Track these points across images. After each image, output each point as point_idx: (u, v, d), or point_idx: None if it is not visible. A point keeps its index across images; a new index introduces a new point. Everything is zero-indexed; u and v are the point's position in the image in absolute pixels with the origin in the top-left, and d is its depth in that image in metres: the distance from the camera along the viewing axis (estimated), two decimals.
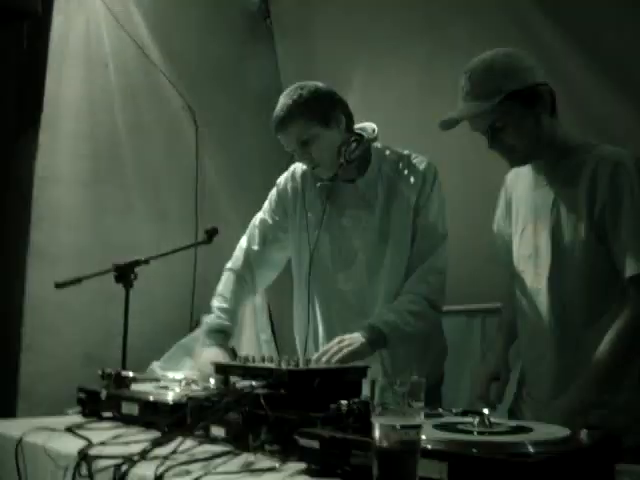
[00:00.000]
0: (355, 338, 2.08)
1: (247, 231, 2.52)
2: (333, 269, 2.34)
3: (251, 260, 2.47)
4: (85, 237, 3.26)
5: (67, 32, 3.28)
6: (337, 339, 2.08)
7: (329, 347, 2.05)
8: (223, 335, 2.34)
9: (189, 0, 3.74)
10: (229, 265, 2.50)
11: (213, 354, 2.24)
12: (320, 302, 2.38)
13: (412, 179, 2.28)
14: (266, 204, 2.52)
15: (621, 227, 1.83)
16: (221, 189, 3.78)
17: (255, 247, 2.47)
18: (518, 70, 1.89)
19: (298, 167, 2.46)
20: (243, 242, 2.51)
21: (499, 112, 1.86)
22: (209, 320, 2.39)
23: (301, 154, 2.28)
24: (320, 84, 2.30)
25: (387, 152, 2.36)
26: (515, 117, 1.88)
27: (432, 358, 2.36)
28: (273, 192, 2.51)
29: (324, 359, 1.99)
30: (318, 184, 2.34)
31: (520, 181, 2.10)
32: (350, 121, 2.33)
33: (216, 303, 2.41)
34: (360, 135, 2.32)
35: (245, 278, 2.46)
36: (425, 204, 2.27)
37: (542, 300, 1.97)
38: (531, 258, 2.00)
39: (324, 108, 2.25)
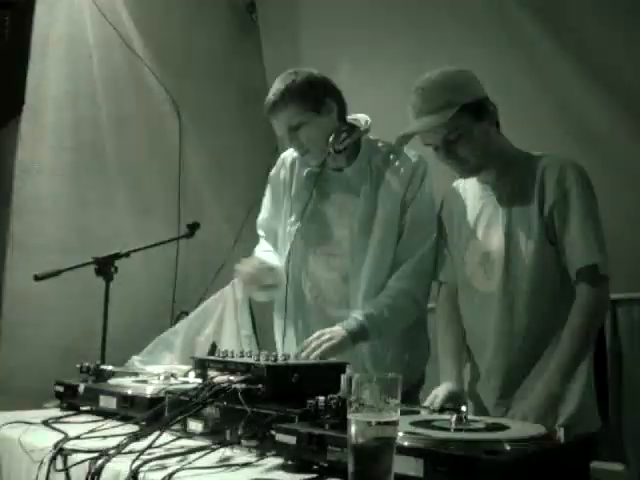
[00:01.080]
0: (336, 332, 2.08)
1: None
2: (317, 257, 2.34)
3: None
4: (66, 229, 3.24)
5: (50, 22, 3.25)
6: (317, 333, 2.07)
7: (309, 342, 2.04)
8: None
9: None
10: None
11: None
12: (302, 290, 2.37)
13: (402, 170, 2.28)
14: (264, 200, 2.52)
15: (569, 225, 1.90)
16: (204, 183, 3.76)
17: (264, 247, 2.47)
18: (466, 84, 1.98)
19: (288, 155, 2.46)
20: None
21: (452, 125, 1.92)
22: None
23: (291, 139, 2.27)
24: (314, 71, 2.30)
25: (379, 144, 2.36)
26: (467, 130, 1.95)
27: (411, 359, 2.34)
28: (268, 185, 2.51)
29: (304, 354, 1.99)
30: (305, 171, 2.34)
31: (464, 192, 2.16)
32: (342, 110, 2.32)
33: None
34: (352, 125, 2.32)
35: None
36: (414, 199, 2.26)
37: (492, 304, 2.01)
38: (481, 264, 2.05)
39: (316, 94, 2.25)
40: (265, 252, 2.40)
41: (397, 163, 2.30)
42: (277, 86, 2.25)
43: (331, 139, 2.23)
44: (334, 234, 2.32)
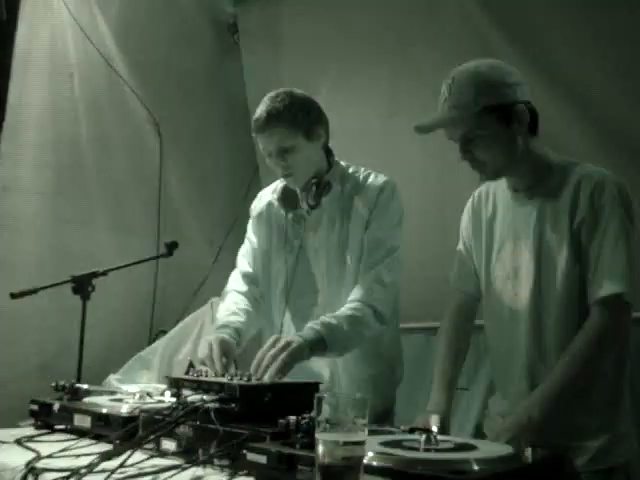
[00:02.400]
0: (292, 338, 2.00)
1: (238, 262, 2.47)
2: (299, 293, 2.34)
3: (251, 281, 2.42)
4: (44, 247, 3.22)
5: (32, 40, 3.24)
6: (272, 339, 1.98)
7: (263, 354, 1.92)
8: (228, 329, 2.23)
9: (157, 12, 3.71)
10: (227, 289, 2.42)
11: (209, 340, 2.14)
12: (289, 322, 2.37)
13: (368, 194, 2.28)
14: (247, 232, 2.50)
15: (597, 246, 1.82)
16: (184, 203, 3.77)
17: (250, 270, 2.43)
18: (499, 85, 1.87)
19: (265, 194, 2.47)
20: (236, 271, 2.46)
21: (472, 124, 1.85)
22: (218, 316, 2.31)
23: (277, 159, 2.25)
24: (306, 95, 2.29)
25: (350, 170, 2.37)
26: (488, 132, 1.87)
27: (380, 385, 2.36)
28: (250, 221, 2.50)
29: (262, 365, 1.89)
30: (289, 215, 2.34)
31: (493, 199, 2.07)
32: (327, 138, 2.33)
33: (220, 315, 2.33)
34: (329, 153, 2.35)
35: (250, 294, 2.40)
36: (376, 217, 2.25)
37: (520, 323, 1.93)
38: (509, 279, 1.97)
39: (310, 120, 2.24)
40: (229, 317, 2.28)
41: (365, 187, 2.30)
42: (271, 104, 2.20)
43: (304, 196, 2.26)
44: (313, 270, 2.33)
